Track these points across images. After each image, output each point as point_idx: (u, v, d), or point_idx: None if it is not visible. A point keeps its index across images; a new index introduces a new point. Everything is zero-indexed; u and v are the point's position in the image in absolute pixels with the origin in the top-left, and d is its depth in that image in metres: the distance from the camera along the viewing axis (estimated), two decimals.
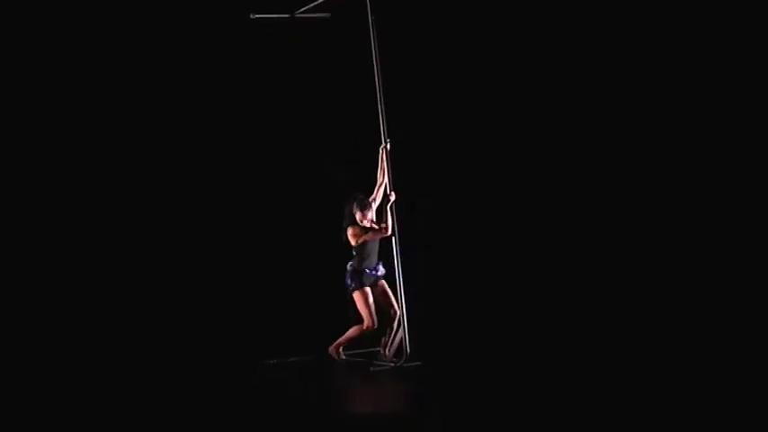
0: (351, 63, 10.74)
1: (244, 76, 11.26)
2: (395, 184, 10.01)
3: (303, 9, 10.45)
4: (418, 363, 9.68)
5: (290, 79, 11.30)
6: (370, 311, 10.00)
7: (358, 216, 9.99)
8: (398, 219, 9.94)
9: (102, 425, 8.07)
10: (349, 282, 10.05)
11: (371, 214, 10.04)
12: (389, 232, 9.95)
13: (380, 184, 10.09)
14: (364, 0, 9.98)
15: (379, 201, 10.11)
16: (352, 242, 10.01)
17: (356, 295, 10.03)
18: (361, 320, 10.05)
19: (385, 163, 10.02)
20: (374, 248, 10.07)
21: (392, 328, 10.08)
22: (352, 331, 10.10)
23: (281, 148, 11.41)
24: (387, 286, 10.11)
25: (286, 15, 10.47)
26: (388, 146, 10.01)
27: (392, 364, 9.73)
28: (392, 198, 9.97)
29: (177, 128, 11.24)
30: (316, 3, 10.32)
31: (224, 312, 11.18)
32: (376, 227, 10.01)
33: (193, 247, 11.33)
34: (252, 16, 10.38)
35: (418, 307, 10.05)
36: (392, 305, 10.09)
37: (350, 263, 10.06)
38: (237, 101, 11.27)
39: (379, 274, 10.12)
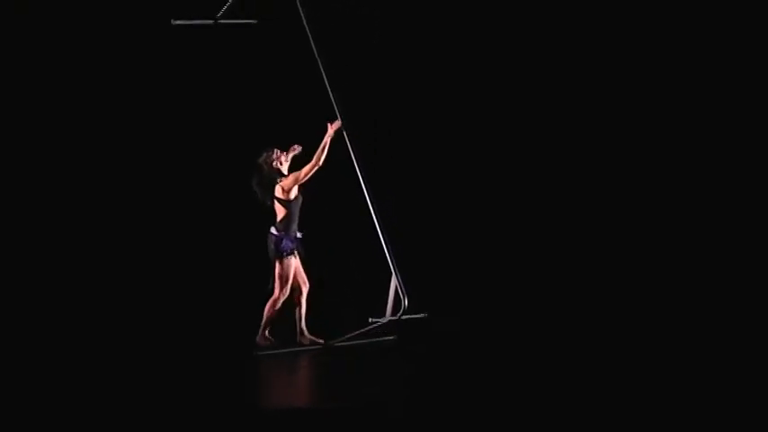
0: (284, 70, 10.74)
1: (166, 84, 11.10)
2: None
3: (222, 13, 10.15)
4: (424, 314, 9.58)
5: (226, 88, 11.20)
6: (289, 281, 9.75)
7: (282, 157, 9.80)
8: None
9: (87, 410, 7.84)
10: (284, 247, 9.73)
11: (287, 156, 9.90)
12: (321, 164, 9.72)
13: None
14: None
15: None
16: (291, 192, 9.73)
17: (287, 262, 9.73)
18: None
19: (328, 138, 9.74)
20: (298, 211, 9.81)
21: (300, 305, 9.89)
22: (269, 311, 9.77)
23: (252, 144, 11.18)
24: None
25: (209, 21, 10.09)
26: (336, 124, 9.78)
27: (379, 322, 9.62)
28: (331, 130, 9.73)
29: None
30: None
31: (214, 304, 10.99)
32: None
33: (182, 240, 11.29)
34: (173, 22, 9.99)
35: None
36: (304, 279, 9.88)
37: (274, 228, 9.75)
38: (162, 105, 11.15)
39: (299, 237, 9.86)
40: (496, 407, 7.52)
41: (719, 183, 11.39)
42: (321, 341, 9.89)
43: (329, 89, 9.86)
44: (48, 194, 11.11)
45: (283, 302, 9.80)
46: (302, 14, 9.95)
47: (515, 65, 11.85)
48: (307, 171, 9.73)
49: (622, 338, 9.50)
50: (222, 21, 10.10)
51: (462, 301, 11.20)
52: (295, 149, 9.85)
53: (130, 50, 11.05)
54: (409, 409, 7.54)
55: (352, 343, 9.82)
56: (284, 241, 9.73)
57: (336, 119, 9.76)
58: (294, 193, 9.77)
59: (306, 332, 9.95)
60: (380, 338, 9.90)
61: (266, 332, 9.82)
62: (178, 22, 10.01)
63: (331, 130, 9.74)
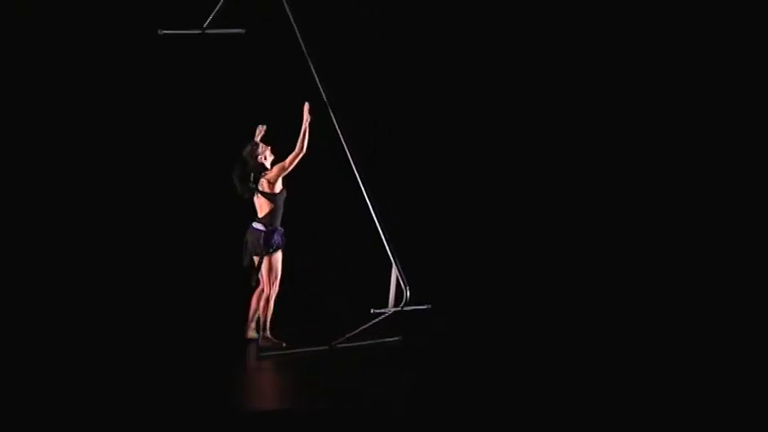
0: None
1: (155, 90, 11.15)
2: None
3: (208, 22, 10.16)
4: (427, 306, 9.61)
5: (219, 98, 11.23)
6: (278, 276, 9.74)
7: (266, 151, 9.76)
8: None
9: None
10: (274, 242, 9.69)
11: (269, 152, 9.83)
12: (304, 150, 9.69)
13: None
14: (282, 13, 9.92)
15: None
16: (276, 185, 9.70)
17: (275, 257, 9.71)
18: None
19: (306, 123, 9.73)
20: (282, 205, 9.77)
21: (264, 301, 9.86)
22: (265, 311, 9.74)
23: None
24: None
25: (196, 31, 10.11)
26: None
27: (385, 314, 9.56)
28: (307, 114, 9.71)
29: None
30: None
31: (214, 305, 10.99)
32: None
33: (180, 241, 11.34)
34: (160, 32, 10.04)
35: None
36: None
37: (255, 223, 9.72)
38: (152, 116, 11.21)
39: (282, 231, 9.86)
40: (497, 407, 7.62)
41: (718, 183, 11.36)
42: (256, 336, 9.86)
43: (321, 88, 9.86)
44: (39, 196, 11.18)
45: (275, 298, 9.80)
46: (290, 15, 9.93)
47: (515, 64, 11.78)
48: (291, 159, 9.68)
49: (625, 339, 9.58)
50: (209, 31, 10.09)
51: (461, 298, 11.21)
52: (261, 131, 9.83)
53: (121, 58, 11.13)
54: (411, 410, 7.60)
55: (356, 344, 9.77)
56: (275, 236, 9.70)
57: (314, 104, 9.73)
58: (279, 186, 9.74)
59: (252, 328, 9.94)
60: (385, 339, 9.87)
61: (267, 333, 9.80)
62: (165, 32, 10.04)
63: (307, 113, 9.70)
